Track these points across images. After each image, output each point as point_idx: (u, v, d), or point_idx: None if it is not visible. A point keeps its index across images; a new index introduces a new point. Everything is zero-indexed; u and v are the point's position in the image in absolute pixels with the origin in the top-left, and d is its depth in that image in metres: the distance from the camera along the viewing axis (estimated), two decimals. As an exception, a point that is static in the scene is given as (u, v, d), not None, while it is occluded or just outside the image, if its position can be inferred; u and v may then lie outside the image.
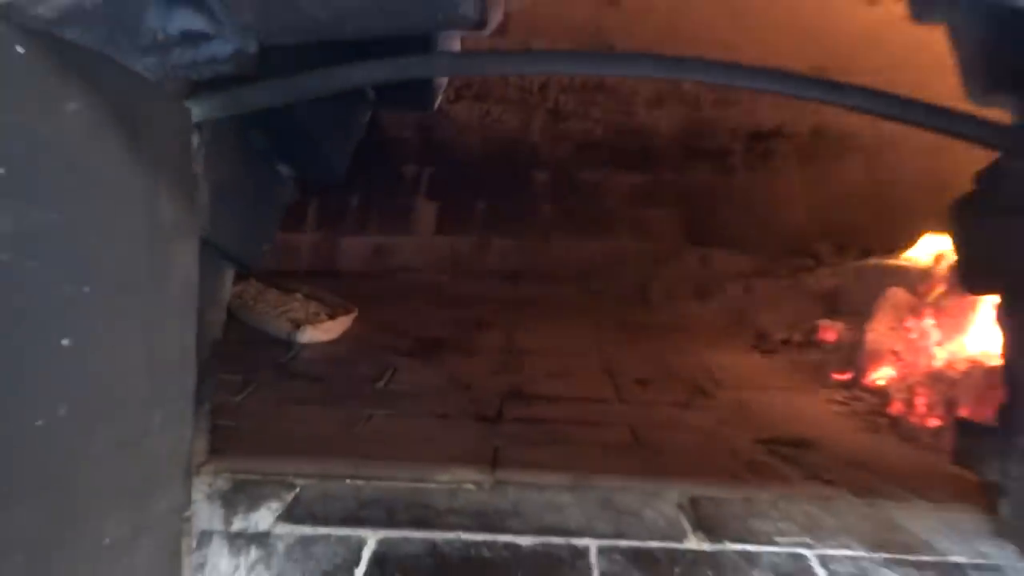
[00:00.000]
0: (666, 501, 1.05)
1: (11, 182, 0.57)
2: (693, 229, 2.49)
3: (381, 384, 1.52)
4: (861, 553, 0.95)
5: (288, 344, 1.70)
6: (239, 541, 0.89)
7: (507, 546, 0.91)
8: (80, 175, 0.64)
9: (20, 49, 0.58)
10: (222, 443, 0.84)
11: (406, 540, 0.91)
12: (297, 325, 1.72)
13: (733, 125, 2.46)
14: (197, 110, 0.76)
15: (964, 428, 1.12)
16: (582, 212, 2.48)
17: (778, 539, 0.97)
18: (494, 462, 1.14)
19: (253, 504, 0.97)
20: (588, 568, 0.88)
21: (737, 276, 2.40)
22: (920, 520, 1.04)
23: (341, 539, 0.91)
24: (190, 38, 0.73)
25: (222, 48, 0.75)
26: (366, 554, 0.88)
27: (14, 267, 0.58)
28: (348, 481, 1.04)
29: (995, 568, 0.94)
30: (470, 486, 1.05)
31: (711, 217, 2.48)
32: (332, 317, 1.80)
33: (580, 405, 1.45)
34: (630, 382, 1.61)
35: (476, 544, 0.92)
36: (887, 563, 0.94)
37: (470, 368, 1.65)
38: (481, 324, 1.99)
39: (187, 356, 0.77)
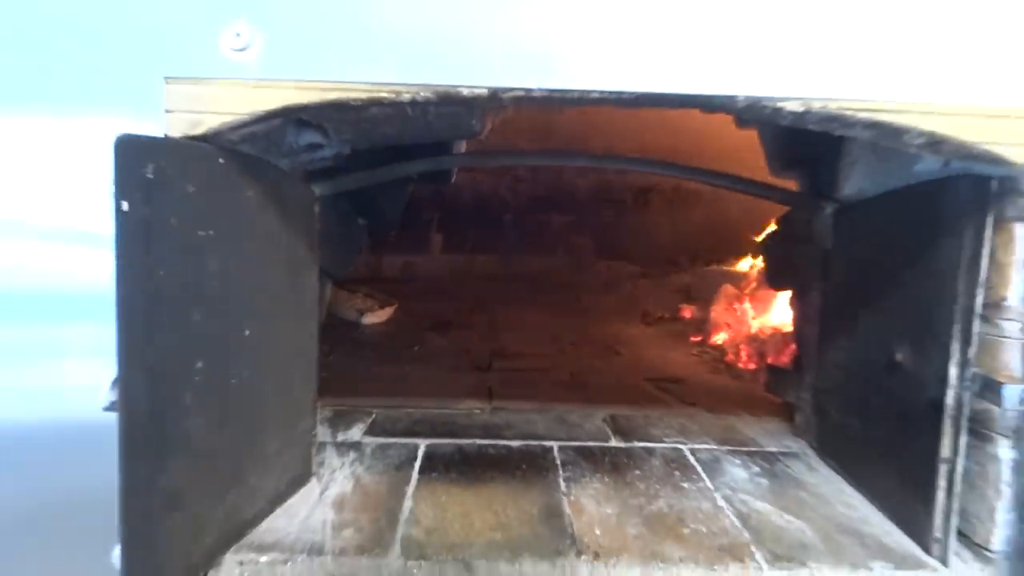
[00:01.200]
0: (596, 418, 1.04)
1: (219, 239, 0.60)
2: (602, 249, 2.49)
3: (415, 349, 1.49)
4: (714, 447, 0.95)
5: (356, 325, 1.70)
6: (342, 448, 0.89)
7: (504, 447, 0.91)
8: (255, 232, 0.67)
9: (221, 160, 0.61)
10: (324, 388, 0.85)
11: (443, 444, 0.92)
12: (361, 312, 1.73)
13: (626, 185, 2.48)
14: (316, 189, 0.78)
15: (772, 370, 1.14)
16: (534, 239, 2.48)
17: (665, 439, 0.97)
18: (490, 396, 1.13)
19: (348, 425, 0.97)
20: (553, 458, 0.88)
21: (629, 277, 2.40)
22: (748, 427, 1.04)
23: (404, 445, 0.91)
24: (311, 147, 0.75)
25: (329, 151, 0.76)
26: (420, 453, 0.88)
27: (220, 289, 0.61)
28: (404, 410, 1.04)
29: (794, 453, 0.94)
30: (477, 411, 1.05)
31: (613, 241, 2.48)
32: (382, 307, 1.80)
33: (538, 359, 1.43)
34: (568, 344, 1.57)
35: (485, 446, 0.92)
36: (729, 452, 0.94)
37: (468, 337, 1.60)
38: (473, 310, 1.95)
39: (313, 338, 0.79)
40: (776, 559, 0.67)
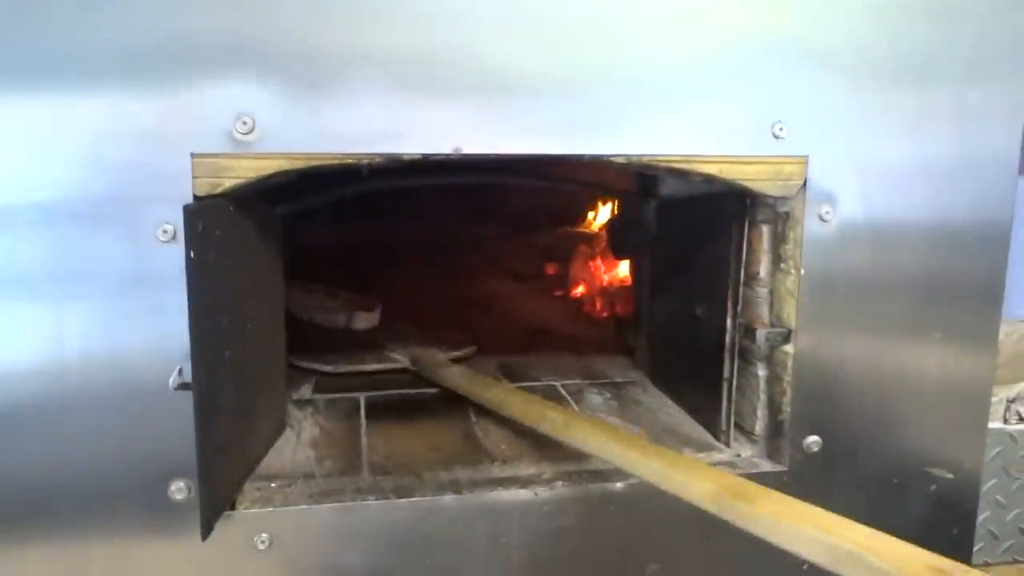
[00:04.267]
0: (491, 365, 1.31)
1: (233, 264, 0.82)
2: (469, 213, 2.72)
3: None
4: (578, 381, 1.24)
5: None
6: (301, 404, 1.12)
7: (427, 393, 1.17)
8: (251, 252, 0.88)
9: (232, 208, 0.82)
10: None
11: (377, 395, 1.16)
12: (349, 318, 1.47)
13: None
14: (278, 210, 1.00)
15: (618, 319, 1.46)
16: (403, 206, 2.67)
17: (542, 379, 1.25)
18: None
19: (298, 387, 1.20)
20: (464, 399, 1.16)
21: (497, 239, 2.65)
22: (602, 364, 1.34)
23: (348, 398, 1.15)
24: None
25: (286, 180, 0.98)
26: (361, 403, 1.13)
27: (235, 298, 0.83)
28: (339, 370, 1.27)
29: (634, 382, 1.24)
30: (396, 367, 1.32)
31: (479, 205, 2.70)
32: (368, 309, 1.51)
33: (429, 317, 1.60)
34: (453, 303, 1.80)
35: (411, 394, 1.17)
36: (589, 384, 1.22)
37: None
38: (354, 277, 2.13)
39: (281, 320, 1.01)
40: (622, 453, 0.98)
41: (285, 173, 0.80)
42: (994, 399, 1.12)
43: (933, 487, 1.00)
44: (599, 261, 2.25)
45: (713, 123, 0.86)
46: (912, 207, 0.93)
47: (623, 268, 2.01)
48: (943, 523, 1.01)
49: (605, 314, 1.92)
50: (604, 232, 2.40)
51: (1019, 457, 1.18)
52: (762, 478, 0.93)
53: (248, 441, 0.89)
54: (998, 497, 1.18)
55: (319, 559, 0.86)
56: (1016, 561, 1.21)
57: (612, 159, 0.85)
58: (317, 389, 1.20)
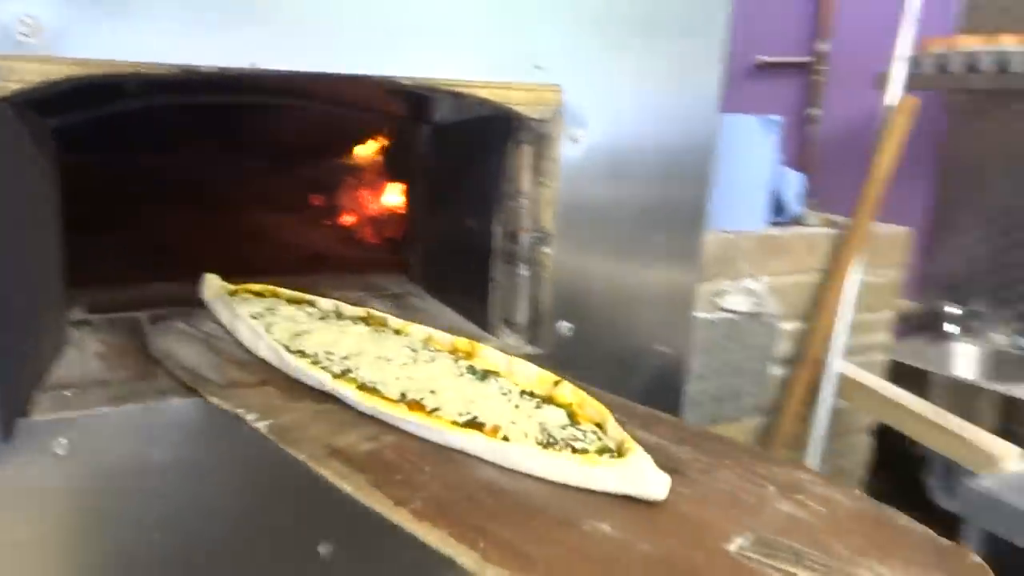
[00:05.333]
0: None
1: (13, 171, 0.80)
2: (226, 145, 2.63)
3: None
4: (361, 294, 1.32)
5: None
6: (79, 324, 1.11)
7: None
8: (29, 158, 0.86)
9: (11, 114, 0.80)
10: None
11: (159, 312, 1.19)
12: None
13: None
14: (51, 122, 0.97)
15: (394, 240, 1.57)
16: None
17: (332, 296, 1.36)
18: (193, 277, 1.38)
19: (71, 308, 1.18)
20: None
21: (260, 173, 2.61)
22: (381, 280, 1.44)
23: (128, 317, 1.15)
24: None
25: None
26: (143, 319, 1.15)
27: (15, 207, 0.81)
28: (116, 291, 1.26)
29: (412, 292, 1.35)
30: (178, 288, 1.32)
31: (238, 137, 2.64)
32: None
33: (209, 246, 1.64)
34: (227, 233, 1.81)
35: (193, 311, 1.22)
36: (374, 297, 1.31)
37: (134, 237, 1.75)
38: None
39: (56, 239, 1.00)
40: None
41: (75, 80, 0.79)
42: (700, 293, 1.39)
43: (656, 363, 1.24)
44: (366, 191, 2.34)
45: (485, 53, 0.99)
46: (639, 137, 1.13)
47: (390, 196, 2.11)
48: (662, 390, 1.26)
49: (375, 240, 2.03)
50: (369, 163, 2.47)
51: (718, 340, 1.48)
52: (529, 358, 1.10)
53: (34, 352, 0.89)
54: (702, 372, 1.48)
55: (121, 460, 0.88)
56: (713, 423, 1.53)
57: (400, 80, 0.95)
58: (93, 309, 1.18)
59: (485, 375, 0.83)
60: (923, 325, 2.10)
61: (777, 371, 1.61)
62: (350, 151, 2.10)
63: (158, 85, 0.87)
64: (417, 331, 0.96)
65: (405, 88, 0.96)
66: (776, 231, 1.57)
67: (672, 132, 1.16)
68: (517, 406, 0.75)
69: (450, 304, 1.31)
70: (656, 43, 1.11)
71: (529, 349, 1.13)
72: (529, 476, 0.65)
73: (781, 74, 2.43)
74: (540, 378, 0.82)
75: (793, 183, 1.65)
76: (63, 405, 0.86)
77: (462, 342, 0.90)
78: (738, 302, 1.49)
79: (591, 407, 0.74)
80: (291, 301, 1.07)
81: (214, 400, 0.79)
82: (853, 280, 1.59)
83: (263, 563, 0.97)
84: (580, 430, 0.71)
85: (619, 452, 0.66)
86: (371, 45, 0.92)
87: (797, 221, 1.66)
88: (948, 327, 2.07)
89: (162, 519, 0.90)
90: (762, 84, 2.43)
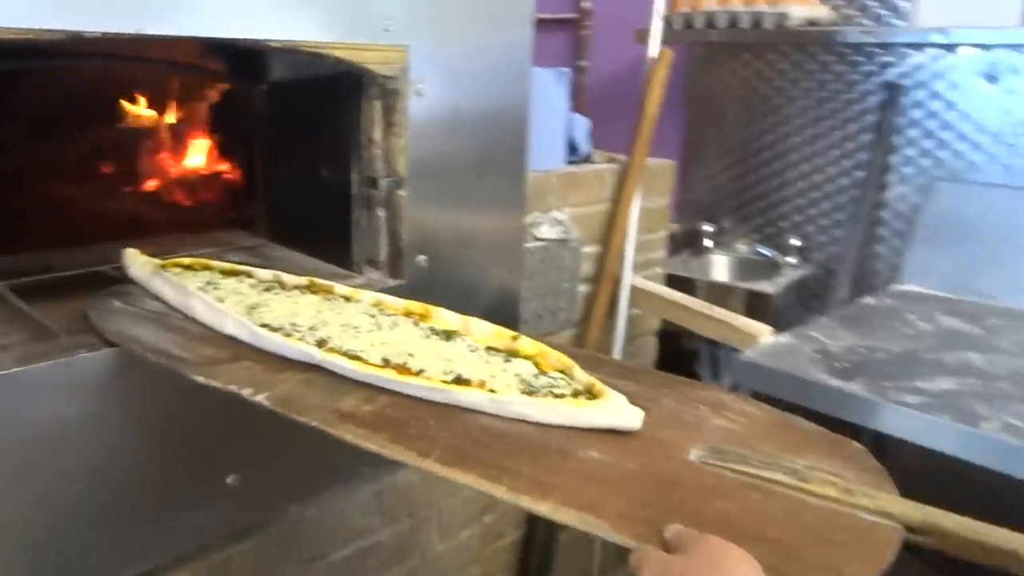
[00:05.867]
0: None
1: None
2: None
3: None
4: (216, 249, 1.40)
5: None
6: None
7: (65, 276, 1.22)
8: None
9: None
10: None
11: (19, 282, 1.17)
12: None
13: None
14: None
15: (222, 200, 1.61)
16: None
17: (178, 253, 1.39)
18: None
19: None
20: (107, 275, 1.22)
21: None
22: (224, 237, 1.49)
23: None
24: None
25: None
26: (7, 291, 1.13)
27: None
28: None
29: (264, 245, 1.42)
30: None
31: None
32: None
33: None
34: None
35: (62, 276, 1.21)
36: (224, 252, 1.38)
37: None
38: None
39: None
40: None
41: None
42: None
43: (496, 286, 1.45)
44: (169, 154, 2.28)
45: (341, 17, 1.10)
46: (471, 92, 1.30)
47: (197, 158, 2.10)
48: (502, 310, 1.47)
49: (190, 202, 2.02)
50: (163, 125, 2.39)
51: (536, 265, 1.71)
52: (390, 290, 1.25)
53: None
54: (525, 294, 1.71)
55: (31, 418, 0.92)
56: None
57: (270, 44, 1.04)
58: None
59: (449, 335, 0.89)
60: (687, 242, 2.51)
61: (583, 288, 1.88)
62: (164, 111, 2.05)
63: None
64: (367, 296, 0.98)
65: (255, 48, 1.05)
66: (573, 169, 1.82)
67: (496, 87, 1.34)
68: (488, 362, 0.82)
69: (305, 250, 1.41)
70: (481, 7, 1.28)
71: (392, 282, 1.28)
72: (521, 421, 0.72)
73: (552, 30, 2.70)
74: (497, 333, 0.88)
75: (581, 126, 1.91)
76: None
77: (415, 305, 0.95)
78: (549, 231, 1.73)
79: (552, 356, 0.83)
80: (225, 273, 1.07)
81: (199, 378, 0.78)
82: (635, 207, 1.90)
83: (180, 499, 1.05)
84: (551, 378, 0.80)
85: (591, 393, 0.76)
86: (239, 9, 1.00)
87: (588, 159, 1.92)
88: (706, 242, 2.49)
89: (82, 469, 0.96)
90: (537, 40, 2.68)
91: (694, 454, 0.69)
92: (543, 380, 0.80)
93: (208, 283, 1.02)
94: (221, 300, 0.95)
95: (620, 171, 1.91)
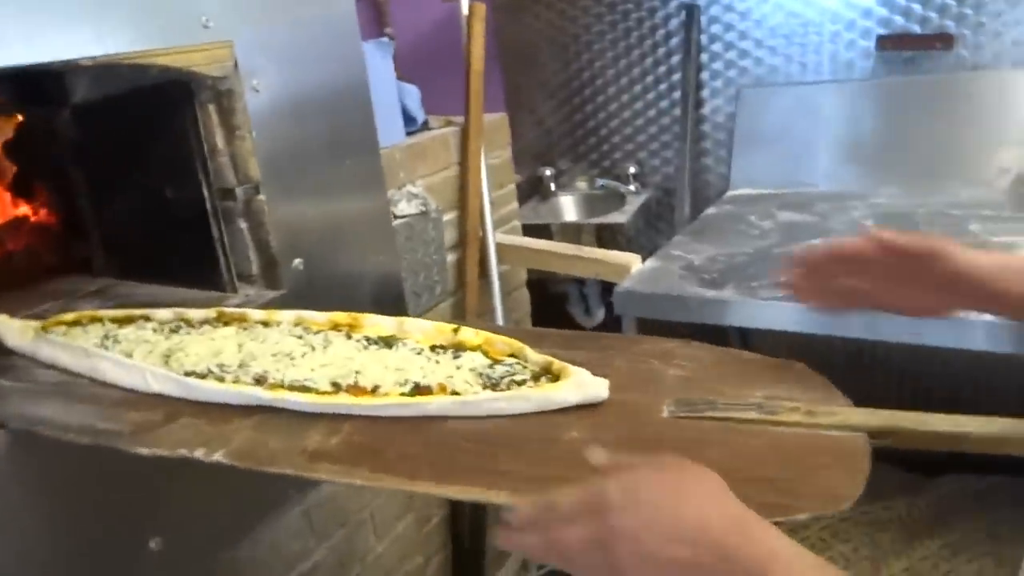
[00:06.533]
0: None
1: None
2: None
3: None
4: (52, 304, 1.26)
5: None
6: None
7: None
8: None
9: None
10: None
11: None
12: None
13: None
14: None
15: (49, 247, 1.44)
16: None
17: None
18: None
19: None
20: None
21: None
22: (64, 282, 1.35)
23: None
24: None
25: None
26: None
27: None
28: None
29: (110, 284, 1.31)
30: None
31: None
32: None
33: None
34: None
35: None
36: (71, 301, 1.27)
37: None
38: None
39: None
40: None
41: None
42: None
43: (376, 273, 1.40)
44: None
45: (155, 19, 0.99)
46: (308, 77, 1.23)
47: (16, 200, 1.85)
48: (387, 296, 1.43)
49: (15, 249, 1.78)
50: None
51: (402, 243, 1.67)
52: (271, 303, 1.18)
53: None
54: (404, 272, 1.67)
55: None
56: (422, 314, 1.75)
57: (79, 62, 0.92)
58: None
59: (388, 342, 0.84)
60: (531, 190, 2.54)
61: (451, 257, 1.87)
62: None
63: None
64: (286, 316, 0.92)
65: (46, 71, 0.93)
66: (415, 139, 1.78)
67: (332, 65, 1.28)
68: (438, 361, 0.78)
69: (163, 281, 1.29)
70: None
71: (271, 294, 1.20)
72: (492, 417, 0.69)
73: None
74: (437, 329, 0.84)
75: (412, 95, 1.87)
76: None
77: (340, 316, 0.89)
78: (408, 207, 1.68)
79: (499, 342, 0.80)
80: (119, 321, 0.96)
81: (142, 450, 0.70)
82: (482, 165, 1.89)
83: (101, 566, 0.95)
84: (505, 365, 0.76)
85: (550, 372, 0.74)
86: (41, 30, 0.88)
87: (426, 126, 1.89)
88: (550, 186, 2.54)
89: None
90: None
91: (666, 410, 0.69)
92: (500, 369, 0.77)
93: (105, 337, 0.91)
94: (129, 354, 0.85)
95: (460, 133, 1.89)
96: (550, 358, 0.76)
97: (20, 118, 1.37)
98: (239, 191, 1.15)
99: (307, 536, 1.33)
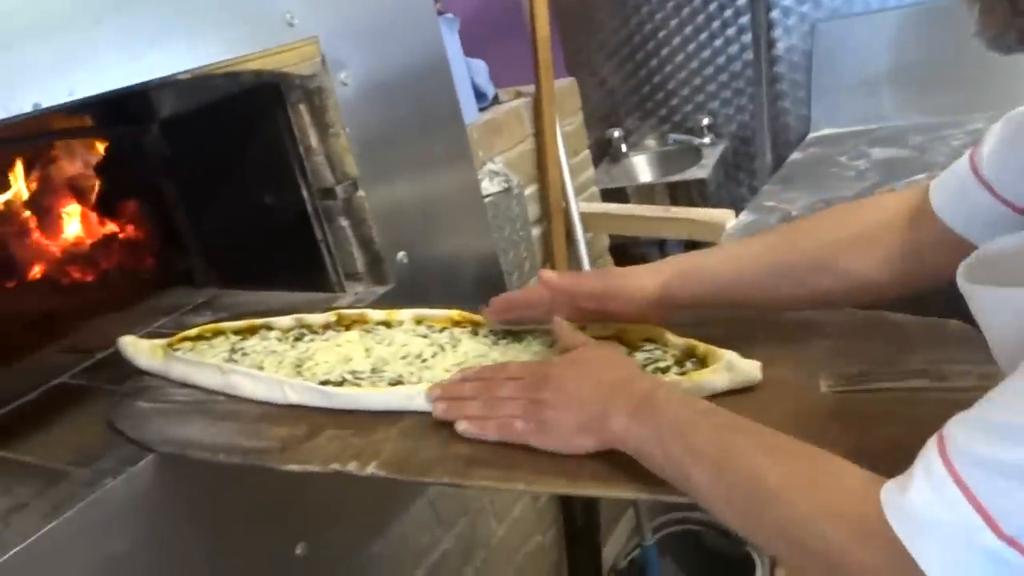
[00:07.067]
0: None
1: None
2: None
3: None
4: (164, 320, 1.27)
5: None
6: None
7: None
8: None
9: None
10: None
11: None
12: None
13: None
14: None
15: (133, 268, 1.45)
16: None
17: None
18: None
19: None
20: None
21: None
22: (168, 299, 1.36)
23: None
24: None
25: None
26: None
27: None
28: None
29: (216, 295, 1.32)
30: None
31: None
32: None
33: None
34: None
35: None
36: (181, 316, 1.28)
37: None
38: None
39: None
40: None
41: None
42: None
43: (475, 256, 1.37)
44: (38, 236, 2.03)
45: (242, 24, 0.97)
46: (391, 61, 1.19)
47: (71, 222, 1.88)
48: (487, 280, 1.40)
49: (91, 276, 1.80)
50: (18, 201, 2.14)
51: (489, 223, 1.63)
52: (382, 299, 1.16)
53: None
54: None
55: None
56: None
57: (180, 77, 0.90)
58: None
59: (518, 336, 0.82)
60: (600, 154, 2.48)
61: (535, 231, 1.83)
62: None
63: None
64: (406, 315, 0.90)
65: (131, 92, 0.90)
66: (489, 115, 1.74)
67: (412, 46, 1.23)
68: None
69: (268, 286, 1.28)
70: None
71: (380, 290, 1.18)
72: None
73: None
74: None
75: (480, 70, 1.82)
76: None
77: (457, 314, 0.88)
78: (491, 185, 1.65)
79: (634, 328, 0.77)
80: (240, 333, 0.95)
81: (293, 467, 0.68)
82: (558, 134, 1.84)
83: (251, 567, 0.96)
84: (644, 352, 0.74)
85: (695, 356, 0.71)
86: (138, 51, 0.86)
87: (496, 101, 1.84)
88: (620, 147, 2.47)
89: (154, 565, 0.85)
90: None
91: (823, 385, 0.64)
92: (640, 356, 0.73)
93: (232, 350, 0.90)
94: (260, 366, 0.84)
95: (532, 103, 1.84)
96: (693, 341, 0.73)
97: (106, 143, 1.38)
98: (339, 189, 1.13)
99: (434, 527, 1.33)
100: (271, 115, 1.10)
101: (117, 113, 1.27)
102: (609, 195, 2.20)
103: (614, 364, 0.66)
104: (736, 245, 0.79)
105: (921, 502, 0.40)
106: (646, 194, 2.34)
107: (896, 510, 0.41)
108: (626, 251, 2.25)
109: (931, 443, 0.42)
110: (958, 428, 0.41)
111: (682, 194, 2.31)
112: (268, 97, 1.09)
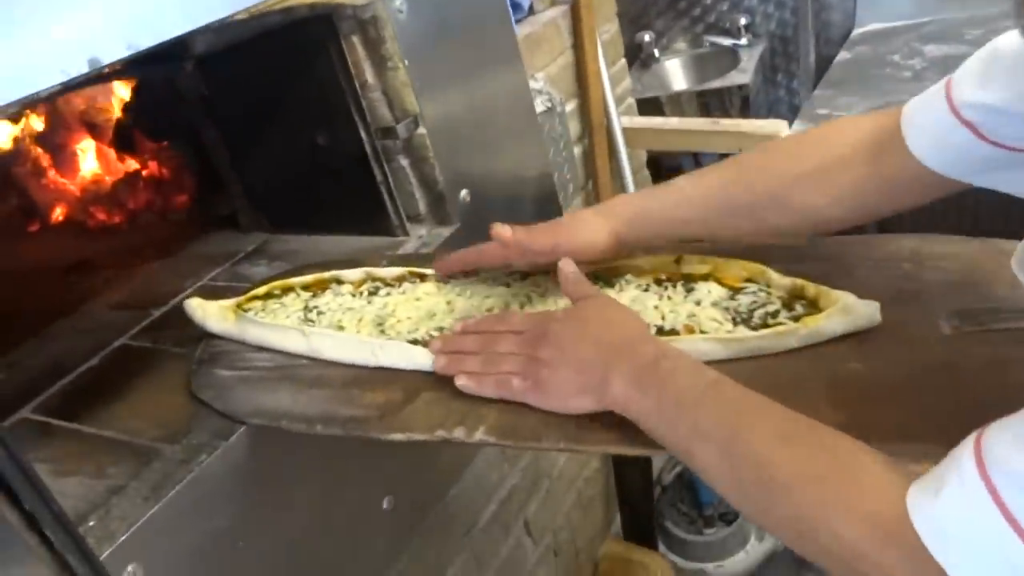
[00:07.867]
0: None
1: None
2: None
3: None
4: (219, 269, 1.23)
5: None
6: None
7: None
8: None
9: None
10: None
11: None
12: None
13: None
14: None
15: (183, 209, 1.38)
16: None
17: (185, 289, 1.19)
18: None
19: None
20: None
21: None
22: (217, 244, 1.29)
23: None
24: None
25: None
26: None
27: None
28: None
29: (268, 240, 1.27)
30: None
31: None
32: None
33: None
34: None
35: None
36: (234, 266, 1.23)
37: None
38: None
39: None
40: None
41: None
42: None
43: (534, 178, 1.31)
44: (53, 174, 1.95)
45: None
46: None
47: (87, 159, 1.80)
48: (545, 204, 1.34)
49: (120, 217, 1.73)
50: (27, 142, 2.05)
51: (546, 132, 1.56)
52: (447, 242, 1.11)
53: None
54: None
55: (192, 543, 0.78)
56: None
57: (238, 17, 0.82)
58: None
59: (609, 281, 0.77)
60: (631, 58, 2.36)
61: (576, 150, 1.75)
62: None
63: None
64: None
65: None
66: (529, 29, 1.63)
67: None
68: (670, 298, 0.72)
69: (323, 231, 1.22)
70: None
71: (445, 231, 1.13)
72: (742, 359, 0.62)
73: None
74: (660, 262, 0.76)
75: (513, -22, 1.70)
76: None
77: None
78: (535, 105, 1.56)
79: (734, 266, 0.72)
80: (309, 288, 0.90)
81: (397, 436, 0.65)
82: (598, 45, 1.74)
83: (349, 533, 0.95)
84: (748, 294, 0.69)
85: (803, 297, 0.66)
86: None
87: (532, 12, 1.73)
88: (653, 52, 2.35)
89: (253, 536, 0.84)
90: None
91: (946, 327, 0.60)
92: (743, 300, 0.69)
93: (306, 309, 0.86)
94: (340, 326, 0.80)
95: (570, 11, 1.72)
96: (799, 280, 0.69)
97: (133, 83, 1.29)
98: (400, 128, 1.05)
99: (502, 464, 1.33)
100: (322, 49, 1.02)
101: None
102: (643, 106, 2.10)
103: (618, 323, 0.62)
104: (687, 184, 0.73)
105: (954, 512, 0.38)
106: (682, 104, 2.24)
107: (925, 518, 0.39)
108: (659, 164, 2.17)
109: (967, 447, 0.40)
110: (997, 437, 0.39)
111: (713, 104, 2.21)
112: (317, 31, 1.00)
